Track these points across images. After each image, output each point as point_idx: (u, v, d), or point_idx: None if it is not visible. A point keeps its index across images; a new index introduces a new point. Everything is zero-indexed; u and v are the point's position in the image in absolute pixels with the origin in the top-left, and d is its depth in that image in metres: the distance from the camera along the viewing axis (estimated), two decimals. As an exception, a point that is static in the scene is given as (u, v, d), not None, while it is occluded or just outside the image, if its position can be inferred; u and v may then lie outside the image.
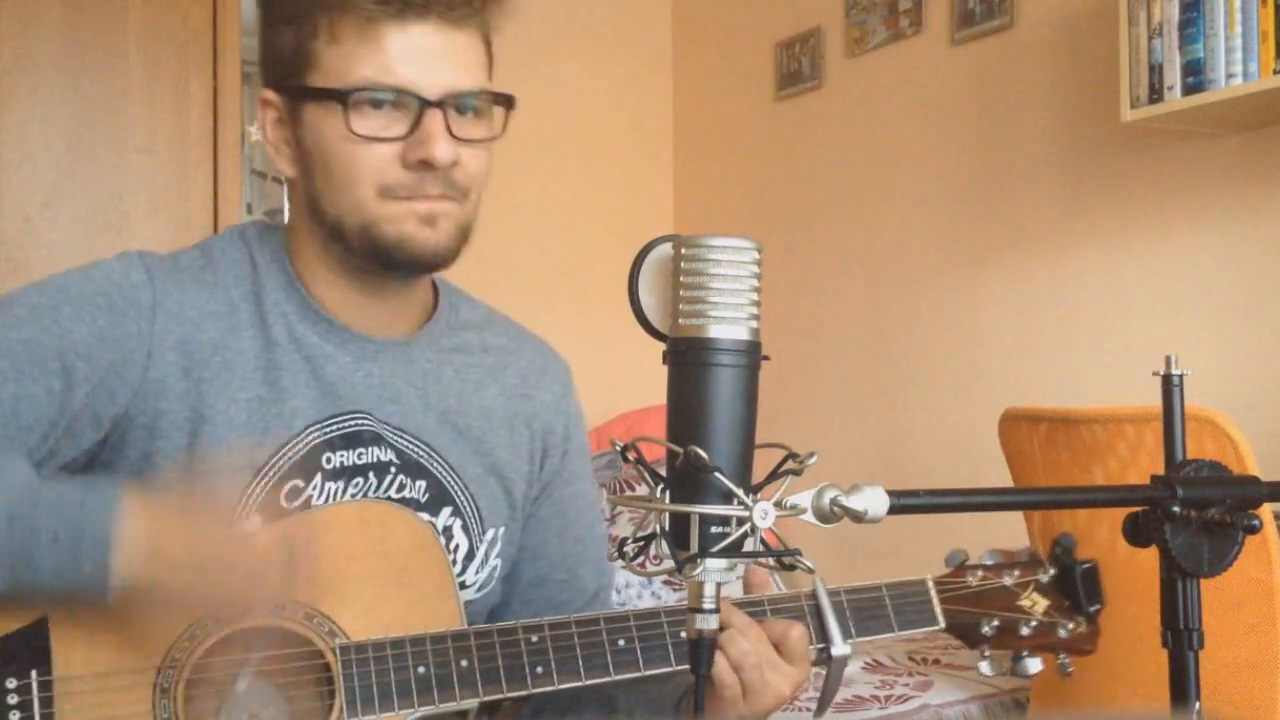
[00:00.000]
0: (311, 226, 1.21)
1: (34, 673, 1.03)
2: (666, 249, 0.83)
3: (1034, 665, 1.20)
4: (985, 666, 1.21)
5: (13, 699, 1.02)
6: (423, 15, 1.12)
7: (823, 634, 1.17)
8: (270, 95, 1.19)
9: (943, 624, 1.21)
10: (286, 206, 1.28)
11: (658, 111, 3.97)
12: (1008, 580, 1.22)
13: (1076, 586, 1.22)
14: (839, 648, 1.16)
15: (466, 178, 1.17)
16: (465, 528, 1.25)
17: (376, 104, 1.13)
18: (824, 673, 1.17)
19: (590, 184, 3.74)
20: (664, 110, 3.98)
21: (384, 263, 1.18)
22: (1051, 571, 1.23)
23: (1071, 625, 1.21)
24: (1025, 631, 1.21)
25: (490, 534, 1.28)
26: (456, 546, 1.24)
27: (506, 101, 1.19)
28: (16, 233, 2.77)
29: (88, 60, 2.83)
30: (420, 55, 1.13)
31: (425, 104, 1.13)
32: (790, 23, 3.53)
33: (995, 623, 1.21)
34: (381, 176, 1.14)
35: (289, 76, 1.17)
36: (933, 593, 1.22)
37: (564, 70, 3.70)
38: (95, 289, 1.13)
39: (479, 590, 1.26)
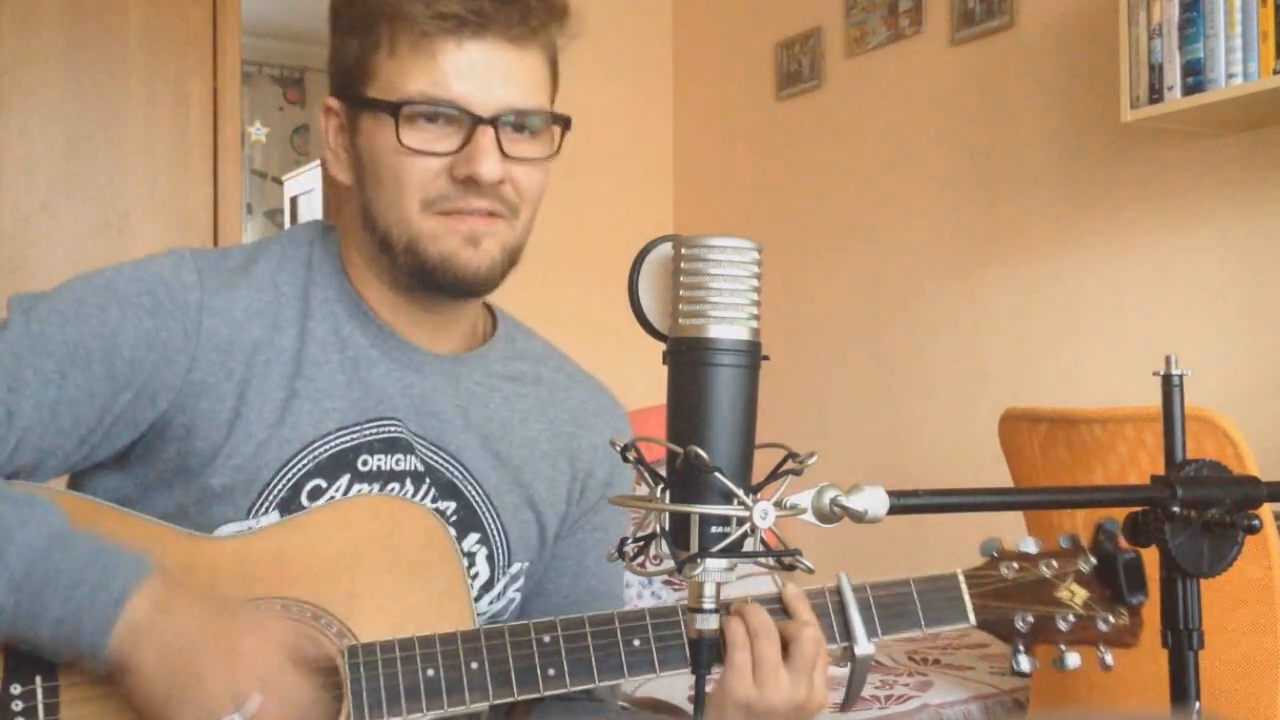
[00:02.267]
0: (364, 235, 1.20)
1: (38, 678, 1.02)
2: (666, 249, 0.82)
3: (1073, 660, 1.13)
4: (1024, 662, 1.14)
5: (17, 705, 1.01)
6: (479, 33, 1.12)
7: (846, 631, 1.13)
8: (333, 103, 1.20)
9: (974, 620, 1.15)
10: (332, 210, 1.27)
11: (658, 111, 3.97)
12: (1045, 571, 1.16)
13: (1119, 576, 1.15)
14: (862, 647, 1.12)
15: (517, 194, 1.17)
16: (490, 557, 1.22)
17: (430, 118, 1.13)
18: (847, 671, 1.13)
19: (591, 184, 3.74)
20: (664, 110, 3.98)
21: (427, 282, 1.17)
22: (1093, 561, 1.17)
23: (1113, 618, 1.15)
24: (1063, 626, 1.14)
25: (516, 567, 1.24)
26: (476, 575, 1.21)
27: (563, 122, 1.20)
28: (16, 233, 2.77)
29: (88, 60, 2.83)
30: (475, 72, 1.13)
31: (477, 121, 1.13)
32: (790, 23, 3.53)
33: (1030, 618, 1.14)
34: (426, 189, 1.14)
35: (350, 86, 1.17)
36: (964, 587, 1.16)
37: (564, 70, 3.69)
38: (143, 288, 1.12)
39: (488, 620, 1.22)
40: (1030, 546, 1.18)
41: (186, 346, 1.12)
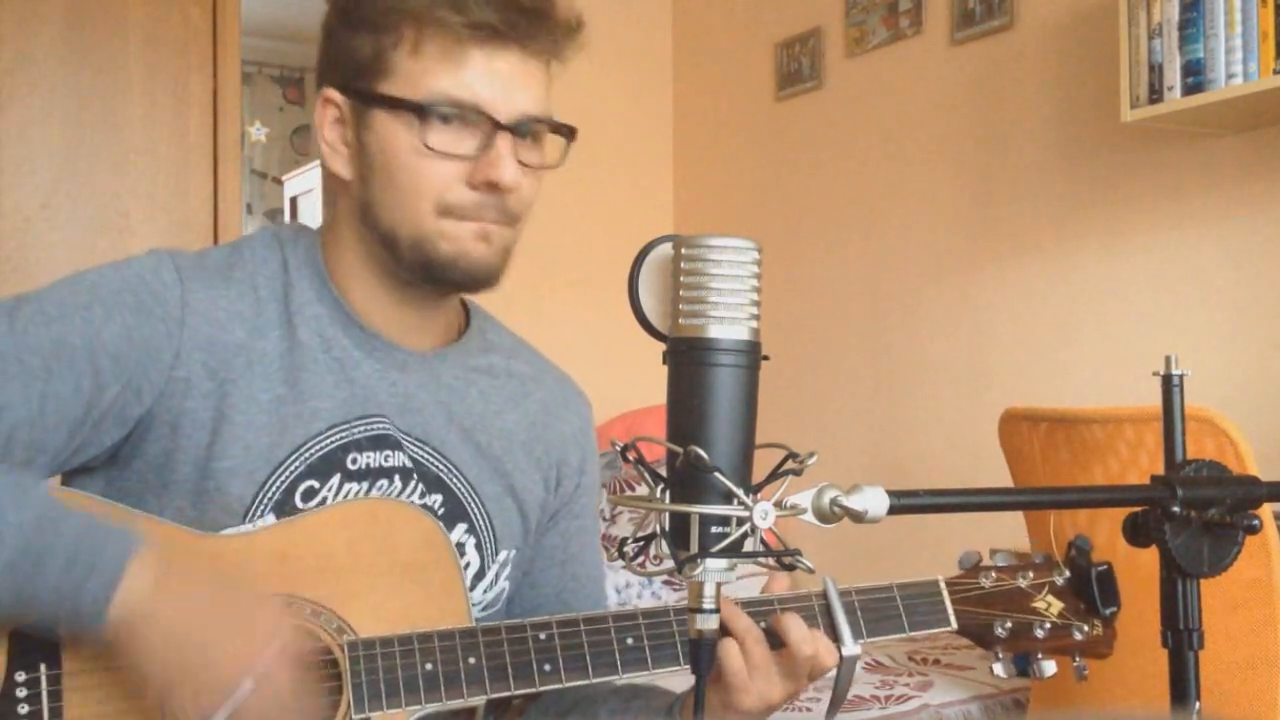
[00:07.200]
0: (359, 231, 1.21)
1: (43, 666, 1.03)
2: (666, 249, 0.83)
3: (1049, 668, 1.19)
4: (999, 668, 1.19)
5: (21, 692, 1.02)
6: (506, 43, 1.15)
7: (833, 633, 1.16)
8: (334, 95, 1.20)
9: (955, 625, 1.20)
10: (321, 207, 1.28)
11: (658, 111, 3.97)
12: (1022, 582, 1.21)
13: (1092, 589, 1.21)
14: (849, 648, 1.15)
15: (520, 204, 1.19)
16: (479, 546, 1.25)
17: (448, 120, 1.15)
18: (834, 673, 1.16)
19: (591, 184, 3.74)
20: (664, 110, 3.98)
21: (434, 278, 1.19)
22: (1066, 574, 1.22)
23: (1087, 628, 1.20)
24: (1039, 634, 1.20)
25: (503, 555, 1.27)
26: (468, 564, 1.24)
27: (569, 133, 1.22)
28: (16, 233, 2.77)
29: (88, 60, 2.83)
30: (499, 79, 1.16)
31: (497, 126, 1.15)
32: (790, 23, 3.53)
33: (1008, 625, 1.19)
34: (445, 194, 1.16)
35: (360, 80, 1.18)
36: (945, 593, 1.21)
37: (564, 70, 3.70)
38: (125, 288, 1.13)
39: (483, 610, 1.26)
40: (1005, 560, 1.24)
41: (170, 344, 1.13)
